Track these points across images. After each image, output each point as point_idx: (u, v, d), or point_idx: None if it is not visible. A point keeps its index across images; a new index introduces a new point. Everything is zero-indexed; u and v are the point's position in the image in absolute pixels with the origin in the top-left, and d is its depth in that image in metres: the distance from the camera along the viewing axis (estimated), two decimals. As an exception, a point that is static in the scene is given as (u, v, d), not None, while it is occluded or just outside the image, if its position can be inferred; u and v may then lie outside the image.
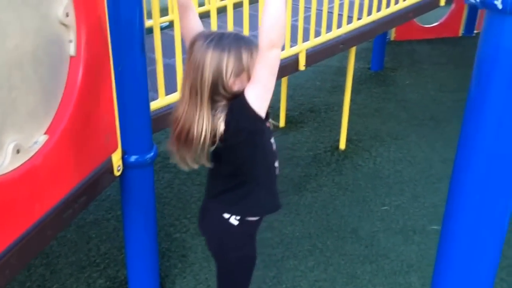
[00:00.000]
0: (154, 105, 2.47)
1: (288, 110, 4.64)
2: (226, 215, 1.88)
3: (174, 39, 2.51)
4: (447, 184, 3.64)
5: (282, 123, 4.49)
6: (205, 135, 1.65)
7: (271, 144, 1.88)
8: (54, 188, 1.77)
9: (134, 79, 2.21)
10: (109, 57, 2.04)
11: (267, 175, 1.89)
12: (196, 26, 1.82)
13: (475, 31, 7.11)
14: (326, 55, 3.43)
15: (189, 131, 1.66)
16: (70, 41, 1.79)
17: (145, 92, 2.27)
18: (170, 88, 2.65)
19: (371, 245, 3.10)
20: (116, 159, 2.20)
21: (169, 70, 2.87)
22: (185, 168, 1.79)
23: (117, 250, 3.05)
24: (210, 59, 1.60)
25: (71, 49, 1.80)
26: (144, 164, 2.35)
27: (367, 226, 3.26)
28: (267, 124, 1.81)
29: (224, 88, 1.63)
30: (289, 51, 3.11)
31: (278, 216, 3.33)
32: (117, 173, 2.23)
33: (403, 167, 3.91)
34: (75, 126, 1.82)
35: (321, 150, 4.13)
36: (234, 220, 1.87)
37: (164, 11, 2.81)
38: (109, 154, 2.14)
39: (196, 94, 1.63)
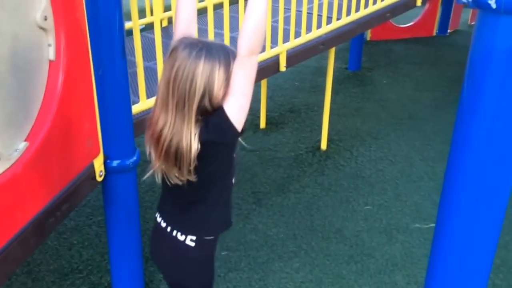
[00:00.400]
0: (135, 108, 2.44)
1: (268, 111, 4.63)
2: (182, 237, 1.76)
3: (151, 41, 2.48)
4: (428, 182, 3.71)
5: (262, 124, 4.48)
6: (195, 149, 1.56)
7: (234, 159, 1.78)
8: (36, 196, 1.73)
9: (115, 82, 2.17)
10: (89, 60, 1.99)
11: (225, 192, 1.80)
12: (192, 16, 1.72)
13: (448, 31, 7.21)
14: (307, 56, 3.43)
15: (178, 146, 1.56)
16: (49, 45, 1.75)
17: (127, 95, 2.24)
18: (151, 91, 2.62)
19: (356, 244, 3.11)
20: (98, 164, 2.16)
21: (148, 73, 2.84)
22: (174, 181, 1.66)
23: (99, 256, 3.00)
24: (202, 69, 1.51)
25: (50, 54, 1.75)
26: (127, 169, 2.31)
27: (351, 226, 3.27)
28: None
29: (210, 100, 1.54)
30: (270, 53, 3.10)
31: (262, 218, 3.31)
32: (99, 179, 2.19)
33: (384, 166, 3.93)
34: (56, 132, 1.78)
35: (303, 150, 4.12)
36: (190, 242, 1.76)
37: (140, 13, 2.76)
38: (91, 160, 2.10)
39: (184, 106, 1.53)
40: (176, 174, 1.63)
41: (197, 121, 1.57)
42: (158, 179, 1.70)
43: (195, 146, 1.56)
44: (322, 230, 3.23)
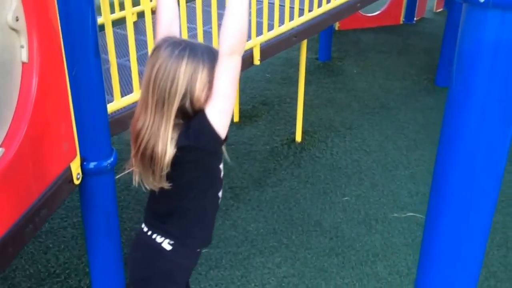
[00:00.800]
0: (109, 107, 2.37)
1: (240, 104, 4.60)
2: (160, 239, 1.70)
3: (121, 37, 2.41)
4: (403, 171, 3.74)
5: (236, 117, 4.44)
6: (170, 155, 1.51)
7: (220, 171, 1.73)
8: (14, 204, 1.67)
9: (90, 82, 2.11)
10: (63, 61, 1.93)
11: (209, 207, 1.75)
12: (174, 14, 1.66)
13: (415, 19, 7.28)
14: (280, 48, 3.41)
15: (154, 147, 1.51)
16: (22, 47, 1.68)
17: (102, 95, 2.18)
18: (123, 89, 2.56)
19: (336, 236, 3.11)
20: (75, 167, 2.10)
21: (120, 70, 2.77)
22: (149, 187, 1.61)
23: (77, 259, 2.93)
24: (184, 68, 1.47)
25: (23, 55, 1.69)
26: (104, 170, 2.25)
27: (330, 218, 3.27)
28: (223, 148, 1.68)
29: (191, 102, 1.50)
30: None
31: (240, 214, 3.29)
32: (76, 182, 2.13)
33: (359, 156, 3.95)
34: (32, 137, 1.71)
35: (278, 143, 4.11)
36: (167, 245, 1.70)
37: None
38: (69, 163, 2.04)
39: (163, 106, 1.49)
40: (151, 179, 1.58)
41: (176, 124, 1.53)
42: (135, 182, 1.64)
43: (170, 151, 1.51)
44: (301, 223, 3.23)
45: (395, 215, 3.30)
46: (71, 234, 3.13)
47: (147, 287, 1.80)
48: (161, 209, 1.72)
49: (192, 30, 2.99)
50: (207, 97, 1.51)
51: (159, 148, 1.51)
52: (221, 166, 1.75)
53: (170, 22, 1.65)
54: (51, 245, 3.03)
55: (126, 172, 1.68)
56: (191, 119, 1.52)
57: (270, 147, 4.05)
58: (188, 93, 1.49)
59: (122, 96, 2.46)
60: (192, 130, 1.52)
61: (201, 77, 1.49)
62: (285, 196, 3.47)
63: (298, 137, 4.14)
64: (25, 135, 1.66)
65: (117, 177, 1.66)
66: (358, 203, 3.41)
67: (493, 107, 1.20)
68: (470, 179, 1.28)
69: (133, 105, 2.51)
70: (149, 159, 1.54)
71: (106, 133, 2.25)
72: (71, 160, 2.06)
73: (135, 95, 2.50)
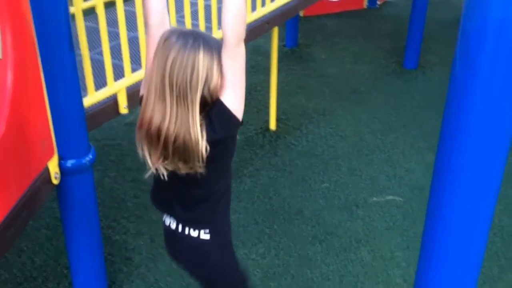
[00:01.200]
0: (84, 102, 2.28)
1: (211, 94, 4.52)
2: (195, 233, 1.73)
3: (87, 29, 2.32)
4: (379, 154, 3.75)
5: (207, 108, 4.37)
6: (203, 142, 1.51)
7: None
8: (-6, 209, 1.58)
9: (65, 78, 2.03)
10: (37, 56, 1.84)
11: (230, 180, 1.78)
12: (164, 6, 1.62)
13: (378, 3, 7.31)
14: (254, 36, 3.35)
15: (184, 138, 1.50)
16: (-5, 42, 1.59)
17: (77, 90, 2.10)
18: (96, 83, 2.47)
19: (318, 224, 3.10)
20: (53, 166, 2.02)
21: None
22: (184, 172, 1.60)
23: (53, 261, 2.84)
24: (202, 57, 1.46)
25: (-4, 51, 1.60)
26: (84, 168, 2.18)
27: (310, 205, 3.25)
28: None
29: (209, 90, 1.50)
30: (217, 34, 3.00)
31: (220, 205, 3.24)
32: (55, 182, 2.05)
33: (335, 142, 3.94)
34: (11, 137, 1.62)
35: (252, 132, 4.06)
36: (204, 235, 1.73)
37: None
38: (47, 162, 1.95)
39: (186, 96, 1.47)
40: (187, 168, 1.57)
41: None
42: (165, 177, 1.61)
43: (202, 140, 1.51)
44: (282, 212, 3.20)
45: (375, 199, 3.31)
46: (45, 235, 3.03)
47: (221, 279, 1.86)
48: (187, 198, 1.71)
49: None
50: (222, 84, 1.52)
51: (192, 137, 1.50)
52: None
53: (161, 13, 1.62)
54: (25, 248, 2.93)
55: (152, 170, 1.61)
56: (210, 110, 1.52)
57: (244, 137, 4.00)
58: (207, 82, 1.50)
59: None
60: (216, 122, 1.53)
61: (216, 64, 1.50)
62: (263, 186, 3.43)
63: (273, 125, 4.10)
64: (4, 134, 1.58)
65: (146, 176, 1.61)
66: (338, 189, 3.40)
67: (499, 88, 1.18)
68: (475, 165, 1.26)
69: (107, 100, 2.43)
70: (183, 150, 1.53)
71: (83, 130, 2.17)
72: (49, 159, 1.98)
73: (109, 89, 2.41)
